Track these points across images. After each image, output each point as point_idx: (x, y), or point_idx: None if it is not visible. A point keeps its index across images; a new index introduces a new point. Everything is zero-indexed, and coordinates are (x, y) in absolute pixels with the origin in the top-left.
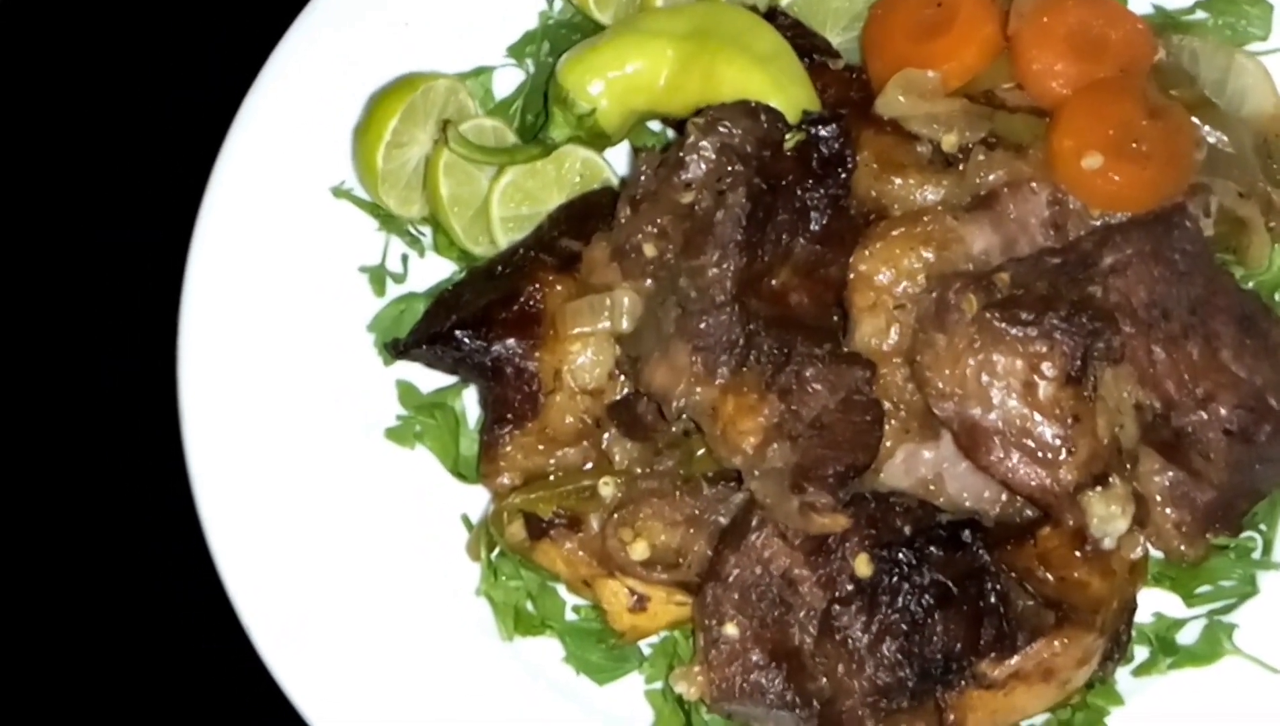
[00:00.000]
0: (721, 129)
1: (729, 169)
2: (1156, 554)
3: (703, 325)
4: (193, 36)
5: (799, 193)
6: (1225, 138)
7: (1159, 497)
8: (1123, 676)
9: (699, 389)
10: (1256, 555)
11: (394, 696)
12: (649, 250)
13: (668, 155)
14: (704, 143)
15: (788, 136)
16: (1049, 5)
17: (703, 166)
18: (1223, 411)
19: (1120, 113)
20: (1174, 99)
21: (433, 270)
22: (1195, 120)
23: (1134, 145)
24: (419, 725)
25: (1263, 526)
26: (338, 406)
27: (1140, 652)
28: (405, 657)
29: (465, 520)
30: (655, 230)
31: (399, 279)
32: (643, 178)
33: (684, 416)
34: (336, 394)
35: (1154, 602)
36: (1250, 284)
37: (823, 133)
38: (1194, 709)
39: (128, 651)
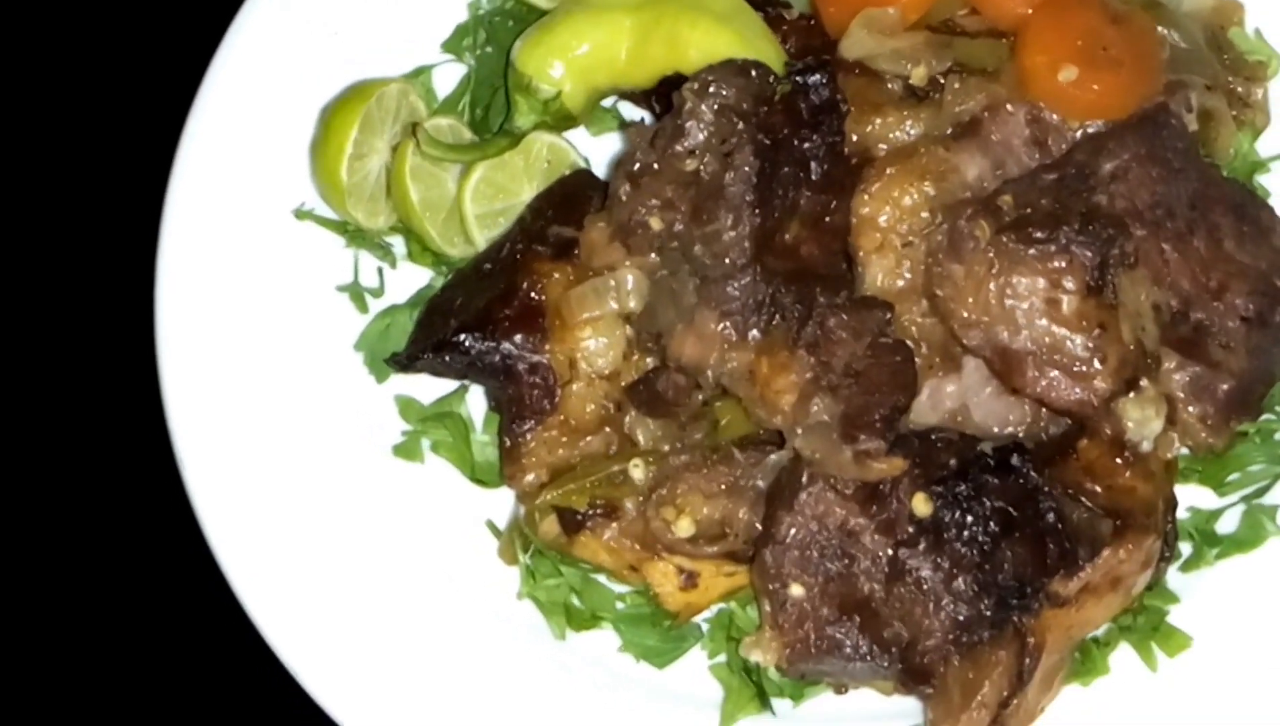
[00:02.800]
0: (716, 91)
1: (729, 129)
2: (1183, 449)
3: (729, 290)
4: (122, 74)
5: (797, 144)
6: (1177, 35)
7: (1180, 394)
8: (1172, 574)
9: (733, 354)
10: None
11: (456, 719)
12: (655, 223)
13: (661, 126)
14: (701, 107)
15: (776, 88)
16: None
17: (703, 131)
18: (1237, 300)
19: (1085, 22)
20: (1127, 2)
21: (408, 280)
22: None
23: (1104, 51)
24: None
25: (1277, 409)
26: (338, 430)
27: (1184, 548)
28: (459, 678)
29: (491, 526)
30: (660, 203)
31: (376, 293)
32: (638, 152)
33: (719, 385)
34: (335, 418)
35: (1187, 497)
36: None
37: (811, 80)
38: (1246, 595)
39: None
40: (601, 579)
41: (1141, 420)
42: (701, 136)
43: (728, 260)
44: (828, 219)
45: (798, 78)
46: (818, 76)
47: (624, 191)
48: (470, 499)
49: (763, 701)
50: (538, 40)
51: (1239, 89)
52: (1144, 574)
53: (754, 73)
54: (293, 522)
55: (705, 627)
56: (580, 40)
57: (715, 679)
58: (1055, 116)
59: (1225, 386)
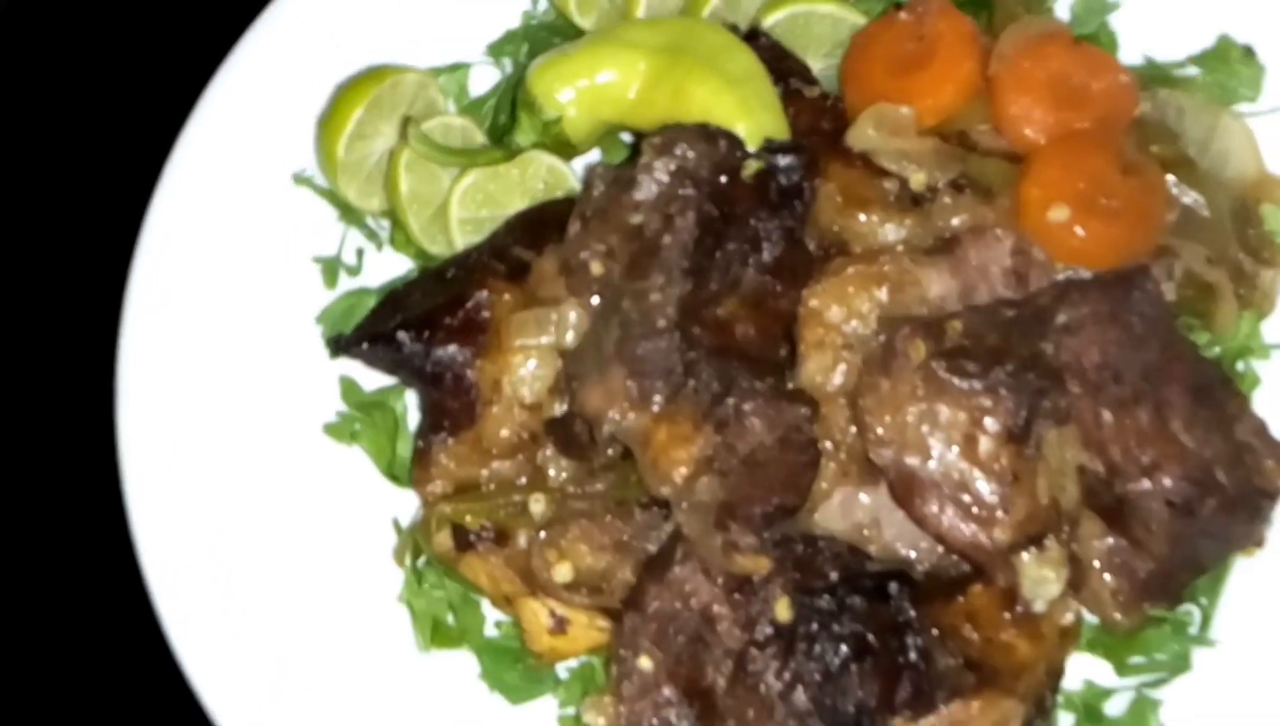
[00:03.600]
0: (677, 151)
1: (680, 193)
2: (1092, 618)
3: (640, 350)
4: (175, 8)
5: (752, 222)
6: (1201, 199)
7: (1098, 563)
8: None
9: (632, 414)
10: (1193, 630)
11: (303, 697)
12: (596, 268)
13: (621, 172)
14: (657, 163)
15: (746, 163)
16: (1032, 49)
17: (654, 188)
18: (1167, 482)
19: (1093, 166)
20: (1153, 155)
21: (389, 266)
22: (1172, 179)
23: (1103, 201)
24: None
25: (1203, 600)
26: (279, 398)
27: (1065, 720)
28: (320, 659)
29: (396, 524)
30: (603, 248)
31: (353, 272)
32: (595, 193)
33: (614, 441)
34: (279, 385)
35: (1085, 669)
36: (1216, 350)
37: (781, 162)
38: None
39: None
40: (483, 603)
41: (1039, 579)
42: (652, 192)
43: (649, 320)
44: (773, 303)
45: (770, 157)
46: (790, 160)
47: (574, 229)
48: (385, 493)
49: None
50: (552, 63)
51: (1247, 267)
52: None
53: (721, 141)
54: (207, 471)
55: (564, 676)
56: (593, 71)
57: None
58: (1042, 254)
59: (1145, 567)
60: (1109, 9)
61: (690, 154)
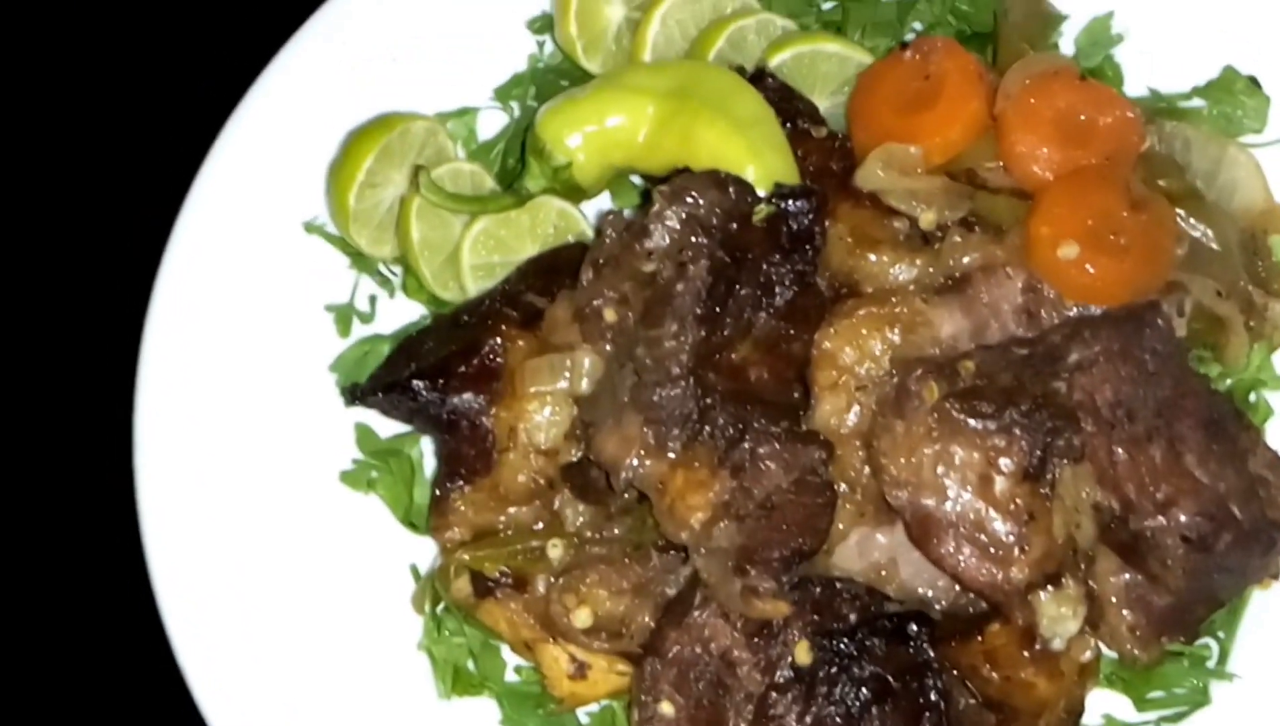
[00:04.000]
0: (688, 199)
1: (692, 240)
2: (1110, 654)
3: (656, 397)
4: (182, 59)
5: (764, 267)
6: (1210, 232)
7: (1115, 598)
8: None
9: (648, 461)
10: (1211, 664)
11: None
12: (609, 315)
13: (633, 220)
14: (669, 212)
15: (757, 208)
16: (1037, 86)
17: (666, 236)
18: (1182, 518)
19: (1101, 203)
20: (1160, 189)
21: (402, 312)
22: (1180, 212)
23: (1112, 237)
24: None
25: (1220, 634)
26: (295, 446)
27: None
28: (341, 709)
29: (414, 571)
30: (616, 296)
31: (366, 319)
32: (607, 240)
33: (631, 488)
34: (295, 433)
35: (1104, 704)
36: (1228, 382)
37: (792, 207)
38: None
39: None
40: (503, 648)
41: (1056, 618)
42: (664, 241)
43: (664, 367)
44: (786, 346)
45: (781, 202)
46: (801, 204)
47: (587, 277)
48: (403, 541)
49: None
50: (561, 109)
51: (1257, 299)
52: None
53: (731, 188)
54: (225, 521)
55: (585, 721)
56: (602, 116)
57: None
58: (1053, 291)
59: (1162, 602)
60: (1113, 42)
61: (701, 201)
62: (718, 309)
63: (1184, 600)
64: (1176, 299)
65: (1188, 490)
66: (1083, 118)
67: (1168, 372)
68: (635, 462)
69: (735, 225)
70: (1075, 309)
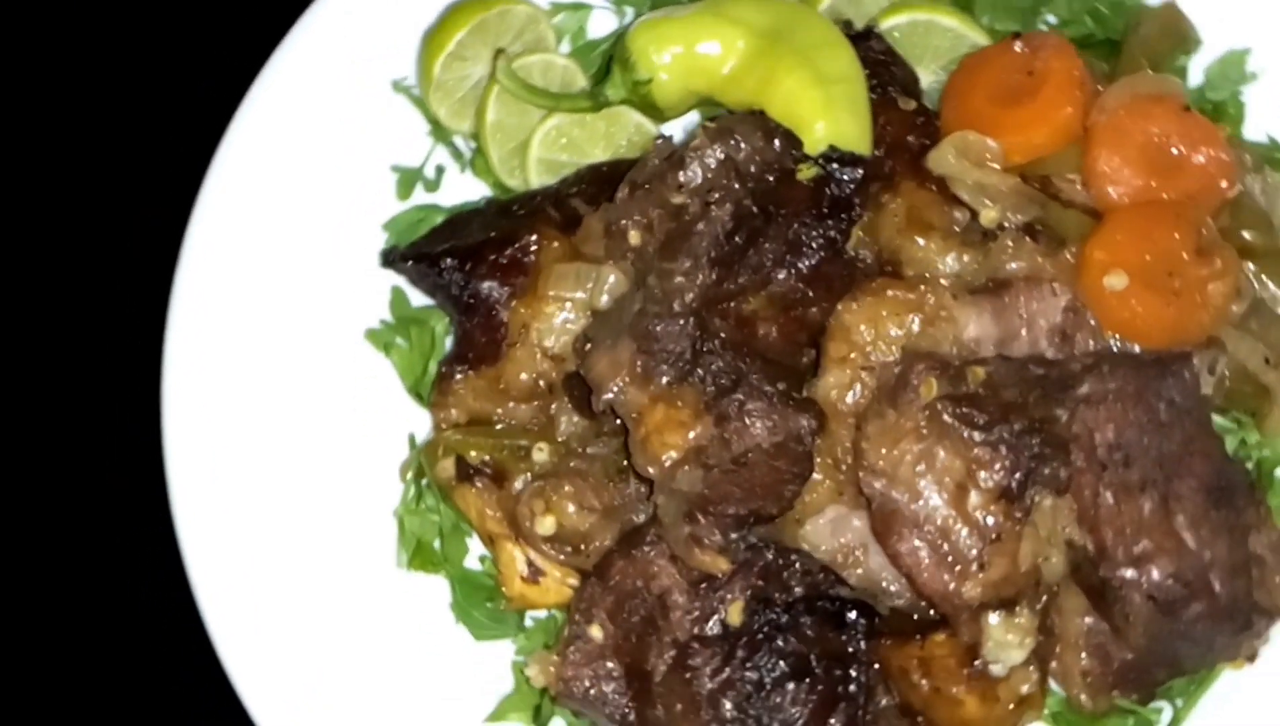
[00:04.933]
0: (731, 141)
1: (723, 182)
2: (1059, 691)
3: (654, 328)
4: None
5: (795, 225)
6: None
7: (1075, 639)
8: None
9: (631, 389)
10: None
11: (278, 585)
12: (633, 238)
13: (675, 150)
14: (709, 150)
15: (803, 166)
16: (1136, 107)
17: (700, 173)
18: (1155, 576)
19: (1165, 241)
20: (1241, 240)
21: (466, 189)
22: (1252, 268)
23: (1167, 277)
24: (310, 625)
25: (1178, 701)
26: (332, 297)
27: None
28: (303, 554)
29: (411, 440)
30: (644, 220)
31: (430, 187)
32: (649, 164)
33: (609, 411)
34: (334, 285)
35: None
36: (1265, 451)
37: (839, 172)
38: None
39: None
40: (471, 537)
41: (1002, 643)
42: (697, 177)
43: (668, 301)
44: (803, 310)
45: (828, 165)
46: (848, 171)
47: (621, 195)
48: (409, 411)
49: (538, 715)
50: (655, 24)
51: None
52: None
53: (777, 140)
54: (246, 356)
55: (528, 625)
56: (693, 40)
57: (512, 672)
58: (1094, 318)
59: (1121, 655)
60: (1244, 79)
61: (744, 146)
62: (734, 256)
63: (1143, 659)
64: (1211, 356)
65: (1168, 550)
66: (1174, 150)
67: (1180, 427)
68: (618, 387)
69: (774, 177)
70: (1113, 342)
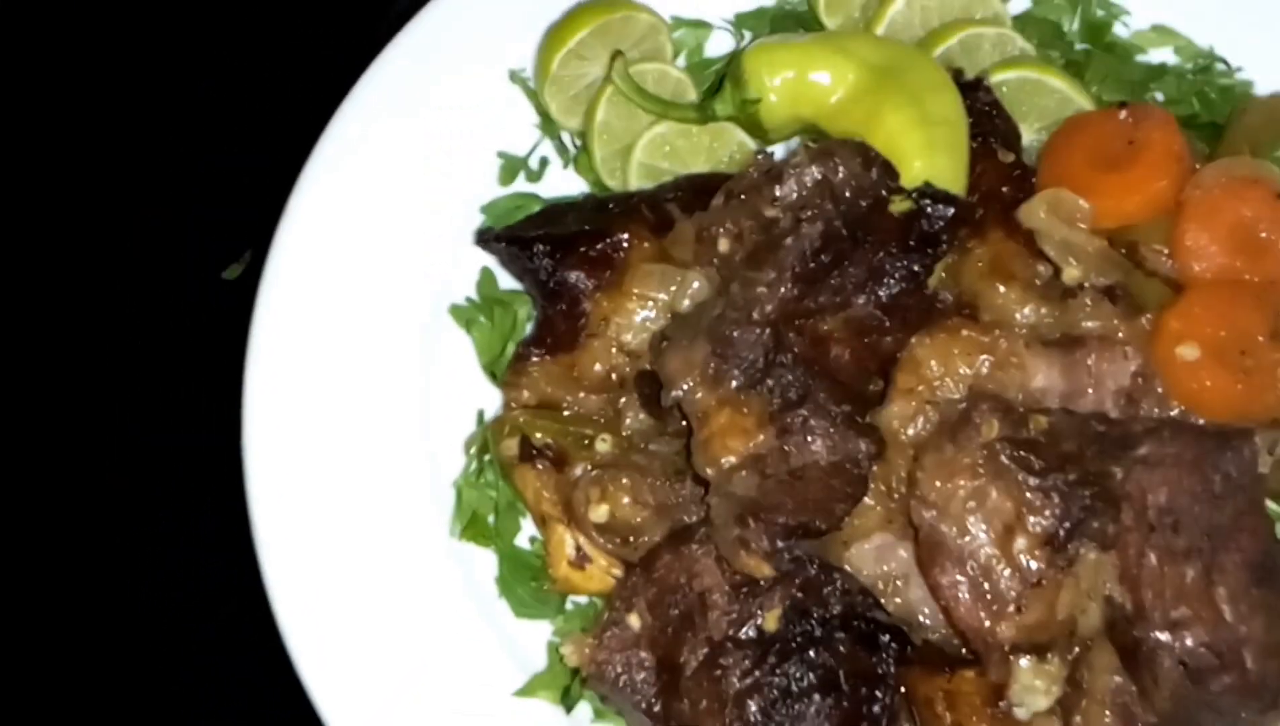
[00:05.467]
0: (830, 162)
1: (817, 201)
2: None
3: (732, 332)
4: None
5: (880, 254)
6: None
7: (1101, 696)
8: None
9: (700, 391)
10: None
11: (340, 557)
12: (723, 245)
13: (775, 165)
14: (808, 168)
15: (896, 199)
16: (1230, 187)
17: (795, 190)
18: (1188, 642)
19: (1243, 320)
20: None
21: (567, 185)
22: None
23: (1240, 355)
24: (358, 581)
25: None
26: (421, 274)
27: None
28: (358, 512)
29: (479, 416)
30: (736, 229)
31: (533, 177)
32: (747, 177)
33: (676, 409)
34: (427, 261)
35: None
36: None
37: (929, 208)
38: None
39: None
40: (525, 518)
41: (1029, 687)
42: (792, 192)
43: (748, 309)
44: (877, 337)
45: (921, 200)
46: (941, 208)
47: (716, 202)
48: (482, 388)
49: (565, 696)
50: (771, 47)
51: None
52: None
53: (875, 169)
54: (333, 319)
55: (569, 609)
56: (806, 67)
57: (546, 652)
58: (1162, 387)
59: (1147, 719)
60: None
61: (842, 170)
62: (819, 275)
63: (1167, 724)
64: (1273, 437)
65: (1206, 620)
66: (1263, 234)
67: (1233, 502)
68: (688, 386)
69: (867, 205)
70: (1177, 412)
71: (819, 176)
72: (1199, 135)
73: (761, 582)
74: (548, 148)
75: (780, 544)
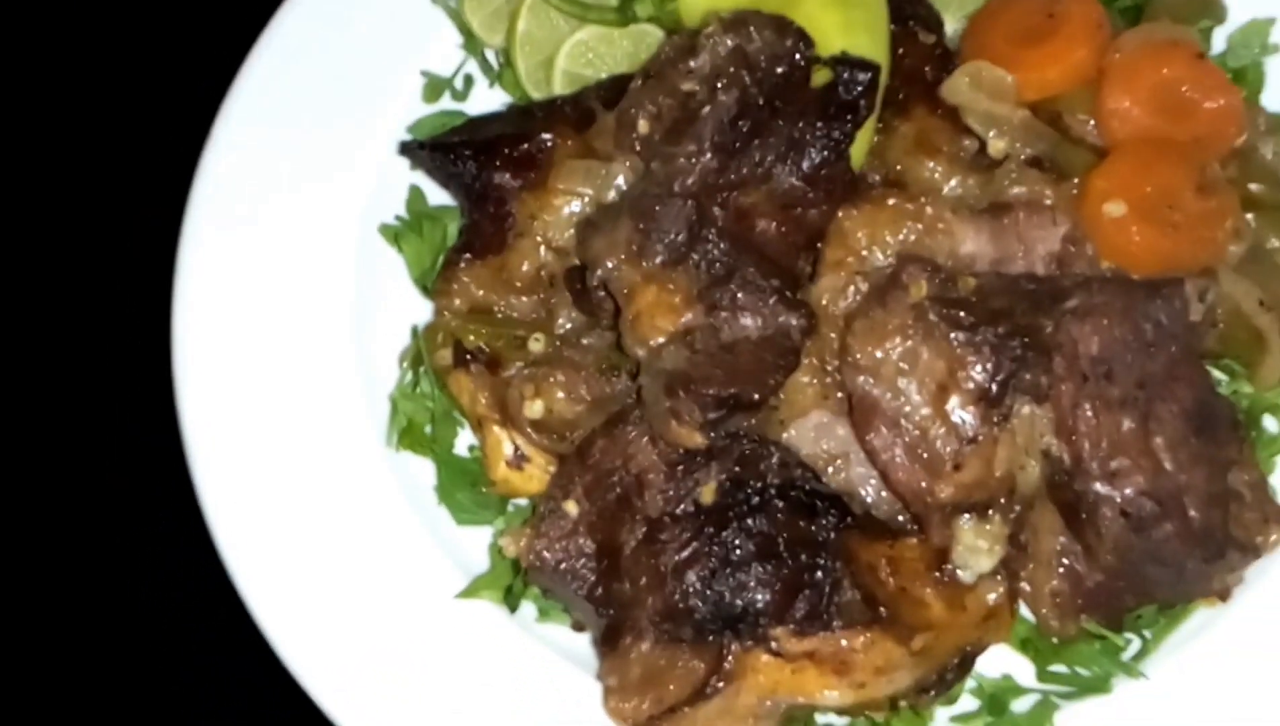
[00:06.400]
0: (744, 31)
1: (731, 70)
2: (1029, 617)
3: (653, 207)
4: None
5: (800, 124)
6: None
7: (1046, 558)
8: (942, 719)
9: (625, 267)
10: (1126, 656)
11: (277, 474)
12: (642, 126)
13: (687, 39)
14: (721, 38)
15: (816, 69)
16: (1150, 50)
17: (709, 60)
18: (1128, 491)
19: (1167, 176)
20: (1248, 192)
21: (493, 102)
22: (1253, 219)
23: (1167, 210)
24: (296, 499)
25: (1147, 633)
26: (349, 195)
27: (968, 702)
28: (292, 433)
29: (414, 330)
30: (654, 109)
31: (458, 96)
32: (661, 55)
33: (603, 290)
34: (354, 181)
35: (1007, 663)
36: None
37: (847, 75)
38: None
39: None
40: (461, 427)
41: (972, 548)
42: (706, 64)
43: (669, 183)
44: (802, 210)
45: (839, 69)
46: (859, 75)
47: (633, 85)
48: (414, 303)
49: (509, 594)
50: None
51: None
52: (879, 679)
53: (789, 37)
54: (258, 246)
55: (509, 511)
56: None
57: (489, 554)
58: (1092, 249)
59: (1092, 577)
60: (1267, 51)
61: (756, 38)
62: (738, 145)
63: (1113, 582)
64: (1203, 284)
65: (1145, 469)
66: (1185, 95)
67: (1166, 350)
68: (613, 264)
69: (784, 75)
70: (1110, 272)
71: (732, 45)
72: (1121, 17)
73: (698, 458)
74: (473, 68)
75: (711, 414)
